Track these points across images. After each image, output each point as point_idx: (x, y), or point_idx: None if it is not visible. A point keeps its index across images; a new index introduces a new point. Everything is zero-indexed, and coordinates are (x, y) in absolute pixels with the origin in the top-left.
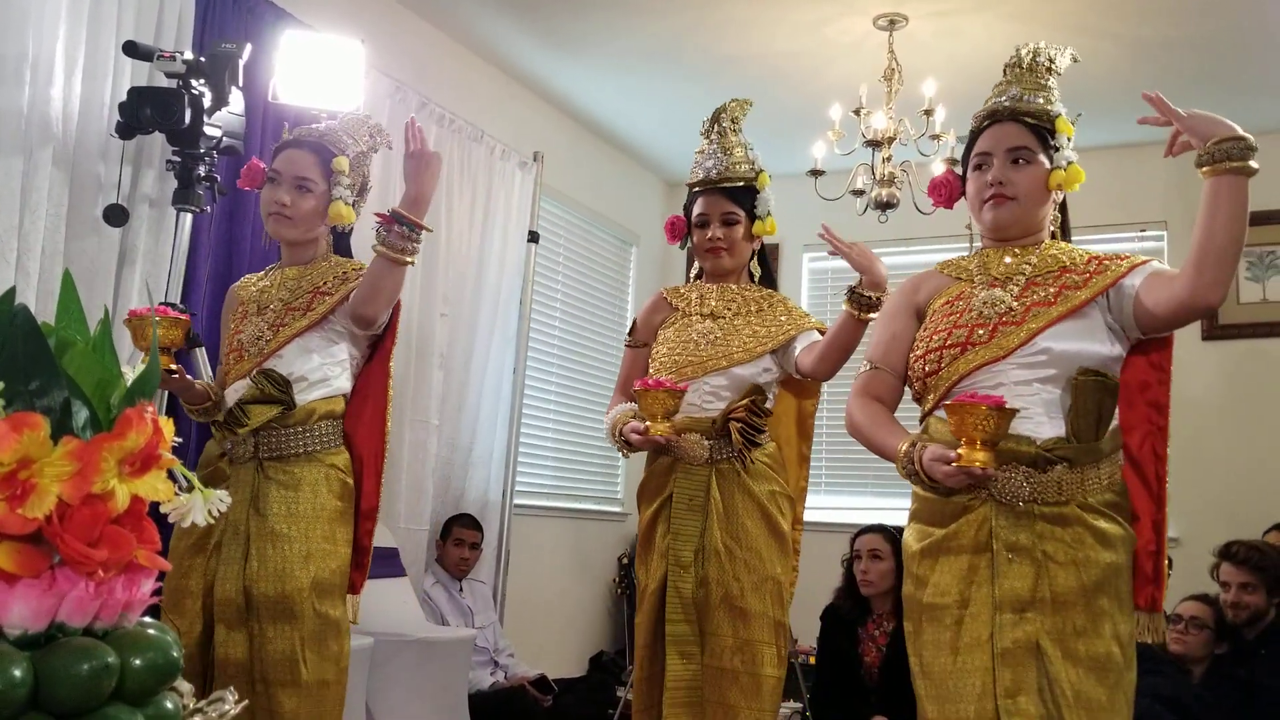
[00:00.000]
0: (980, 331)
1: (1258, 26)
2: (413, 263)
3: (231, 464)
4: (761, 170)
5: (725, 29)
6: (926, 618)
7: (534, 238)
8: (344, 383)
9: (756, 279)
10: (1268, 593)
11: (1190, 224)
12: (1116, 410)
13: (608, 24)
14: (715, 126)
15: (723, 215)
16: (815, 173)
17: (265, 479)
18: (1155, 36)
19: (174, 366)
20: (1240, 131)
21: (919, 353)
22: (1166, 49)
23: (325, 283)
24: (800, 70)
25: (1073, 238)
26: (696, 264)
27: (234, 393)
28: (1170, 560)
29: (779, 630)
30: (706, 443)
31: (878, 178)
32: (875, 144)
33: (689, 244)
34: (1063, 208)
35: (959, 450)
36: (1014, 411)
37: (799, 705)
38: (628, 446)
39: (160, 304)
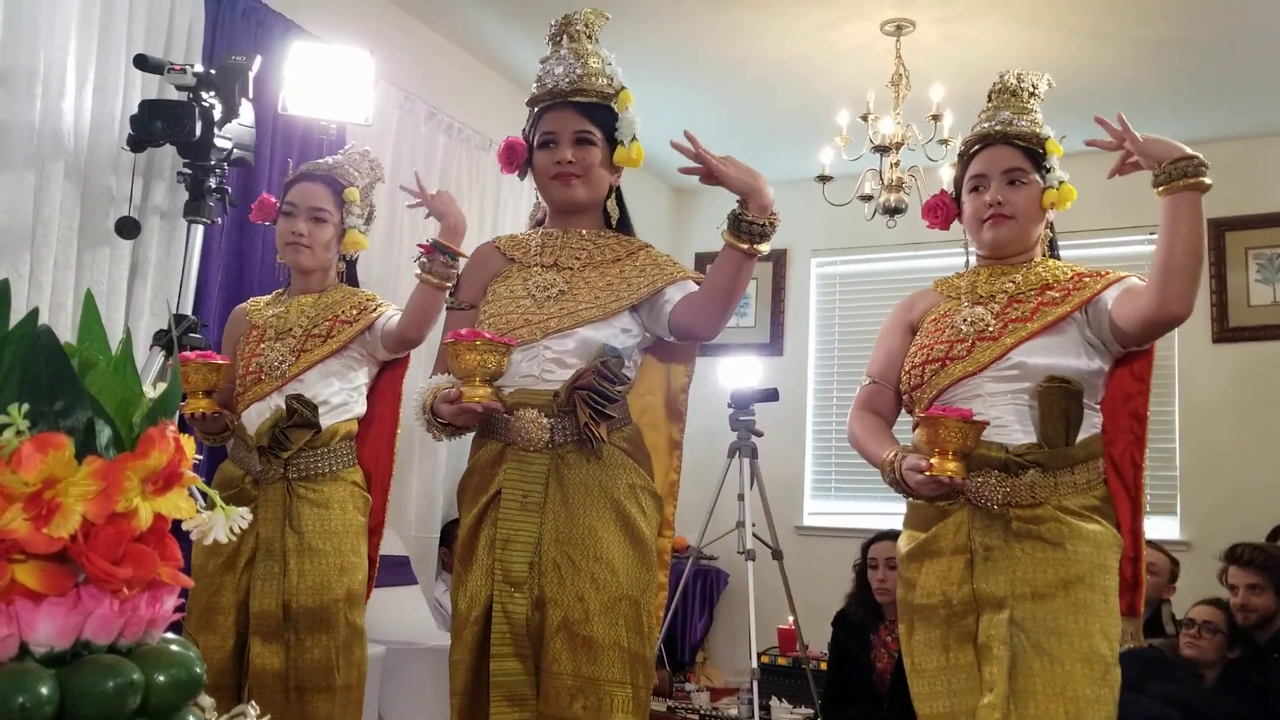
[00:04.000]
0: (959, 347)
1: (1260, 29)
2: (451, 287)
3: (258, 485)
4: (624, 88)
5: (731, 35)
6: (918, 618)
7: None
8: (360, 407)
9: (614, 223)
10: (1276, 593)
11: None
12: (1097, 419)
13: (614, 32)
14: (566, 31)
15: (575, 134)
16: (823, 178)
17: (296, 498)
18: (1158, 38)
19: (218, 411)
20: (1191, 151)
21: (906, 368)
22: (1169, 51)
23: (344, 311)
24: (807, 76)
25: (1080, 240)
26: (535, 210)
27: (255, 414)
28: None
29: (637, 666)
30: (546, 421)
31: (886, 183)
32: (883, 149)
33: (528, 173)
34: (1050, 227)
35: (931, 460)
36: (983, 424)
37: (810, 711)
38: (440, 426)
39: (198, 350)
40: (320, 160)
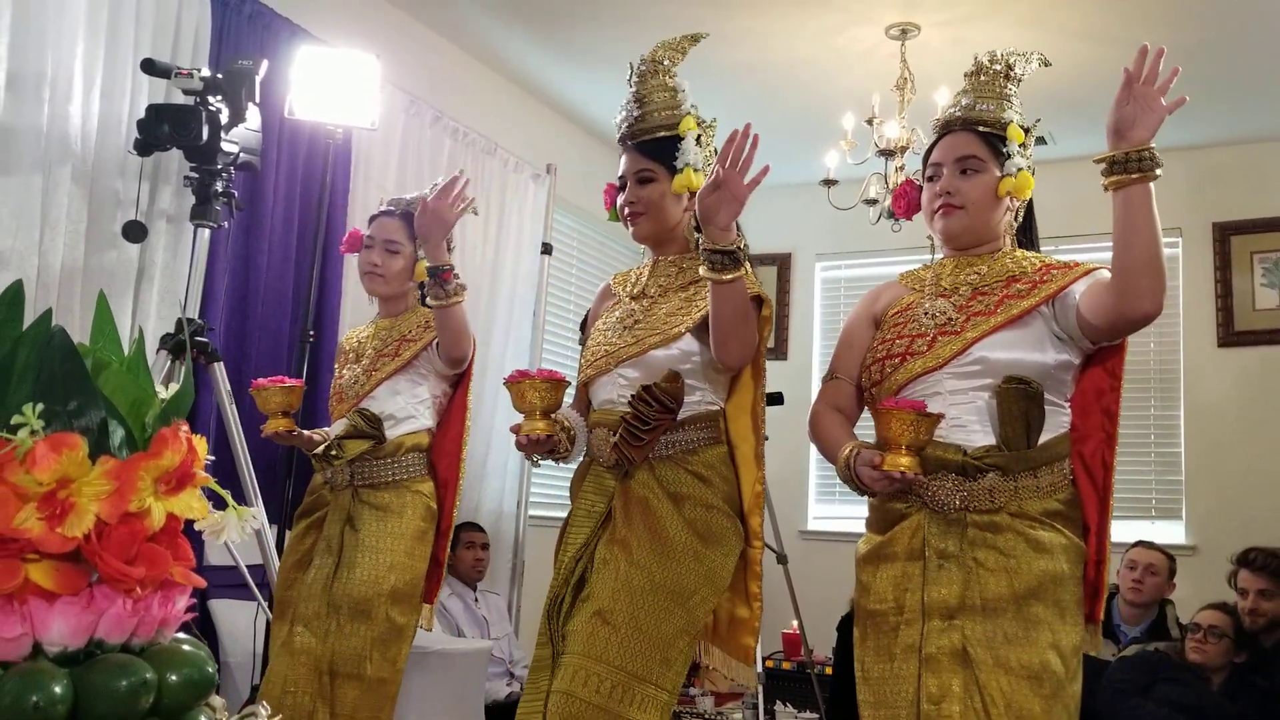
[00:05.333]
0: (920, 342)
1: (1265, 33)
2: (461, 300)
3: (332, 490)
4: (688, 114)
5: (737, 39)
6: (870, 624)
7: (547, 249)
8: (428, 419)
9: (693, 245)
10: None
11: (1205, 230)
12: (1065, 417)
13: (619, 35)
14: (635, 72)
15: (636, 174)
16: (828, 182)
17: (359, 503)
18: (1162, 42)
19: (295, 429)
20: (1149, 142)
21: (867, 363)
22: (1173, 55)
23: (410, 331)
24: (812, 80)
25: (1082, 244)
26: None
27: (337, 430)
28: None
29: (664, 670)
30: (613, 441)
31: (890, 187)
32: (888, 153)
33: None
34: (1028, 215)
35: (884, 454)
36: (936, 417)
37: (815, 716)
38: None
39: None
40: (402, 196)
